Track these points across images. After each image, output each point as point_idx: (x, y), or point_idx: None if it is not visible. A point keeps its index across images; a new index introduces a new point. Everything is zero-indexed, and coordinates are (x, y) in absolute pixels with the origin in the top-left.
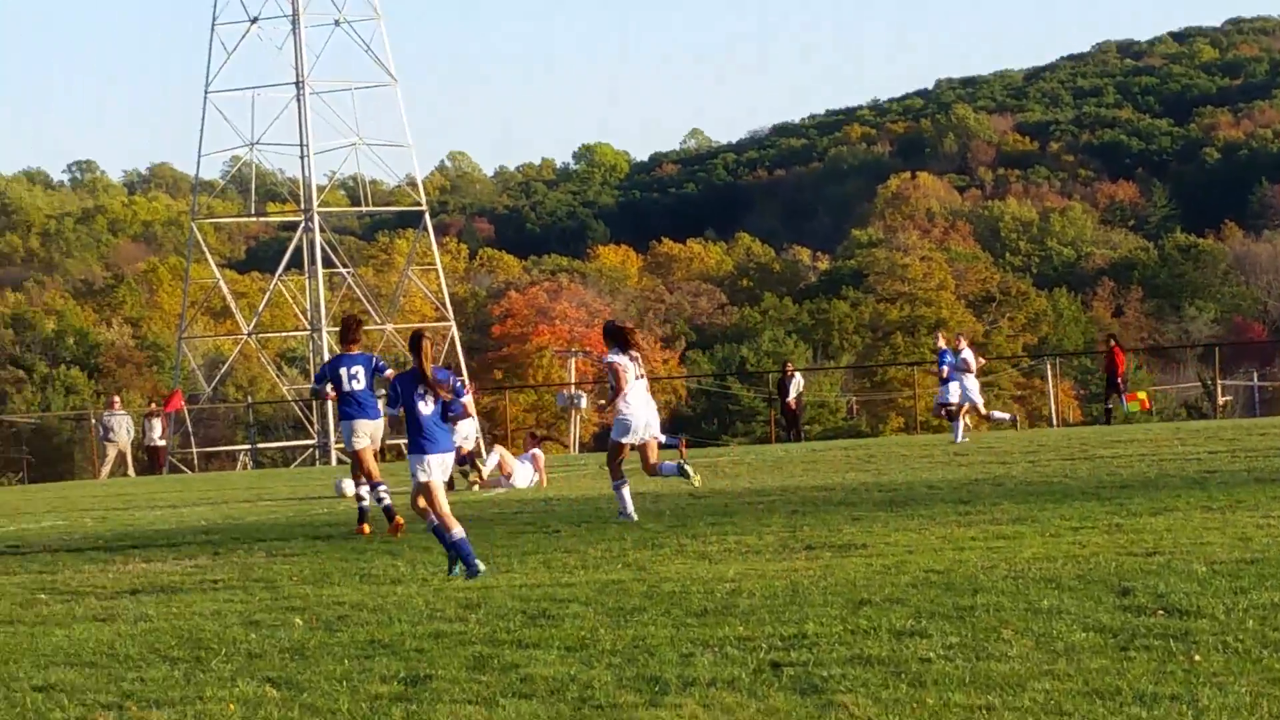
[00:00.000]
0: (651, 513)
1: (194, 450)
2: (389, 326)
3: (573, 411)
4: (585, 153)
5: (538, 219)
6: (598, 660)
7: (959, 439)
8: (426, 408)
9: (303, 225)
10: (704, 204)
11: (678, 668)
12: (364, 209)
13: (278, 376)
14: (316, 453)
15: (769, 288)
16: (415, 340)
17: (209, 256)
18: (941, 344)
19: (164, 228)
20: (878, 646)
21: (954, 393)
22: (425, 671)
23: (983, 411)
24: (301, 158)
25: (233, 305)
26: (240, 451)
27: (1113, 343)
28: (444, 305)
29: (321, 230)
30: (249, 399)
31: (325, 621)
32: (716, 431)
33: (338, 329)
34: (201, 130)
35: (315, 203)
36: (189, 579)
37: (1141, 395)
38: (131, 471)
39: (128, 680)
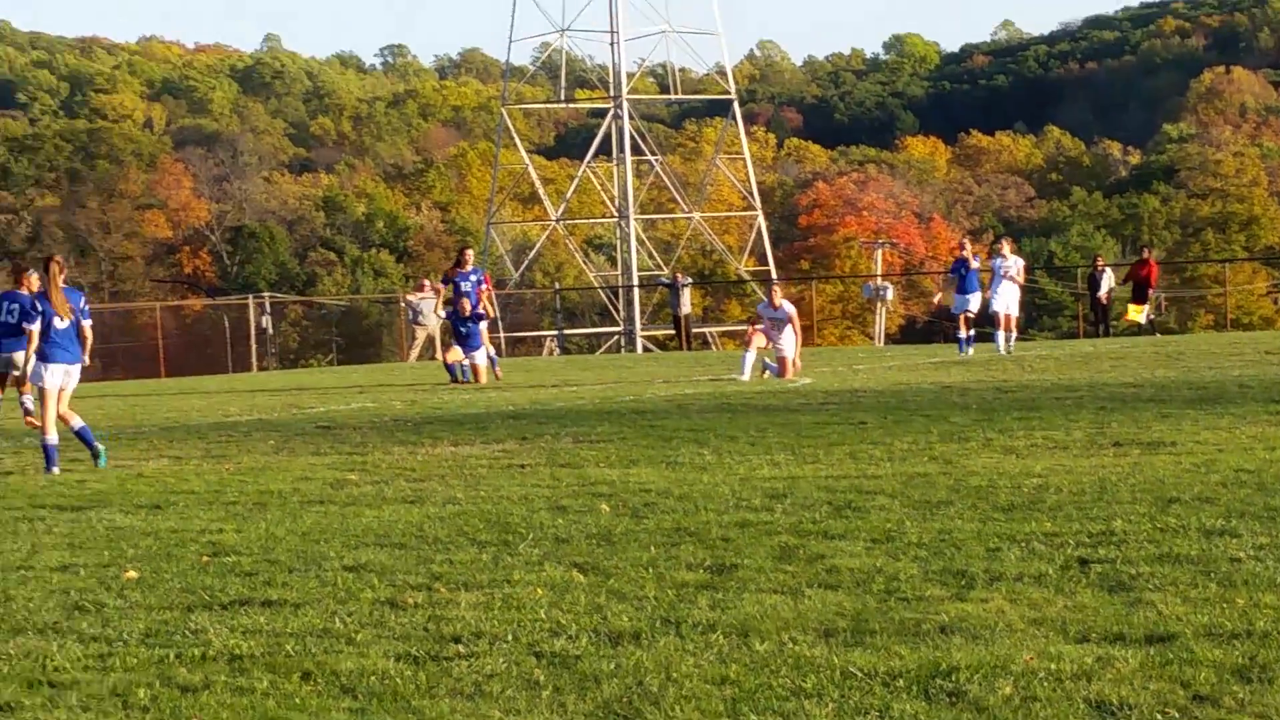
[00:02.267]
0: (959, 405)
1: (501, 335)
2: (696, 215)
3: (878, 303)
4: (895, 43)
5: (846, 109)
6: (903, 553)
7: (1001, 349)
8: (61, 323)
9: (611, 112)
10: (1014, 96)
11: (984, 562)
12: (673, 97)
13: (584, 263)
14: (622, 340)
15: (1078, 182)
16: (45, 263)
17: (518, 142)
18: (968, 253)
19: (474, 113)
20: (1186, 545)
21: (974, 302)
22: (731, 560)
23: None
24: (611, 44)
25: (541, 191)
26: (547, 337)
27: (1146, 253)
28: (751, 194)
29: (630, 117)
30: (556, 285)
31: (632, 508)
32: (1024, 325)
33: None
34: (513, 16)
35: (624, 90)
36: (496, 463)
37: (1131, 309)
38: (440, 355)
39: (436, 562)
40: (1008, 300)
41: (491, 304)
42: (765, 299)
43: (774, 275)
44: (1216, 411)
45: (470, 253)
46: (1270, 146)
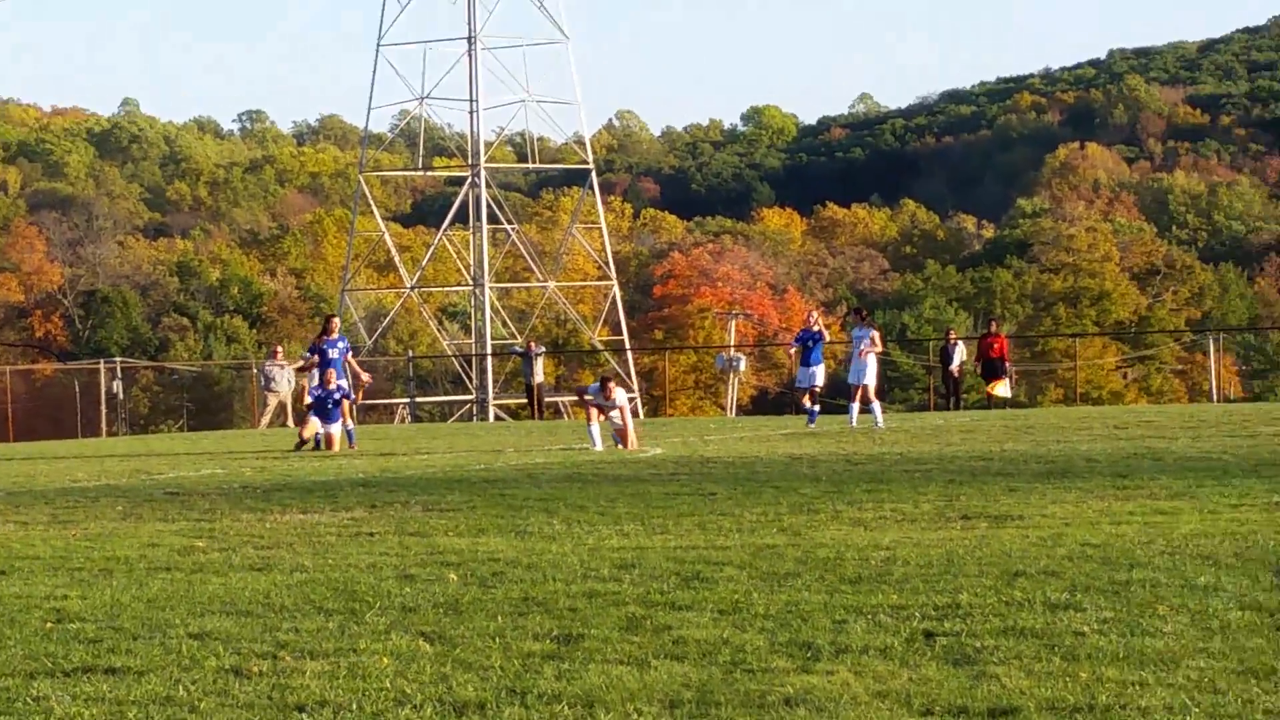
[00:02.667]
0: (808, 477)
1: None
2: (551, 284)
3: (731, 374)
4: (753, 114)
5: (703, 180)
6: (751, 624)
7: (854, 420)
8: None
9: (469, 180)
10: (870, 169)
11: (831, 634)
12: (530, 165)
13: (438, 331)
14: (475, 408)
15: (932, 255)
16: None
17: (375, 209)
18: (816, 325)
19: (331, 179)
20: (1032, 619)
21: (819, 375)
22: (578, 630)
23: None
24: (470, 113)
25: (396, 259)
26: (399, 405)
27: (994, 327)
28: (607, 264)
29: (487, 186)
30: (409, 353)
31: (480, 577)
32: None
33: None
34: (372, 83)
35: (482, 158)
36: (345, 531)
37: (991, 385)
38: (291, 422)
39: (282, 630)
40: (863, 371)
41: (359, 373)
42: (598, 385)
43: (627, 346)
44: (1064, 485)
45: (336, 321)
46: (1122, 222)
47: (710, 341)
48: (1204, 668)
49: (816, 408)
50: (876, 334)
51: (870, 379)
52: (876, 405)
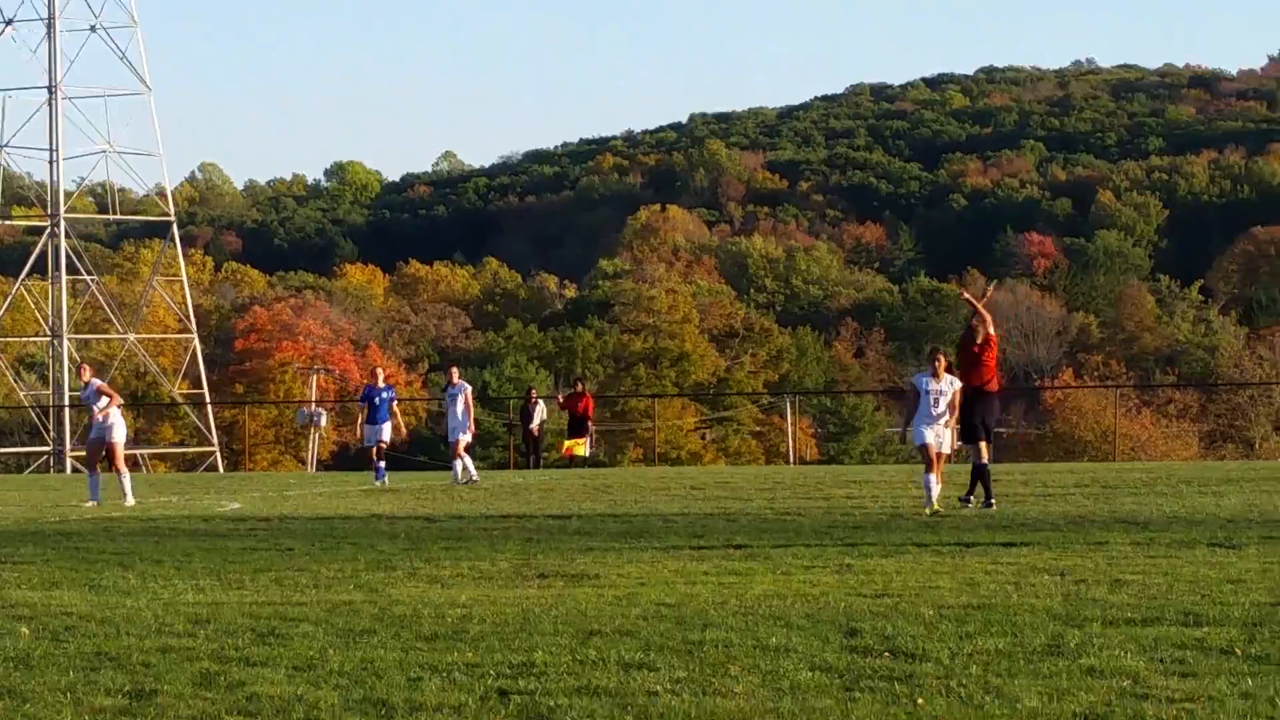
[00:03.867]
0: (387, 534)
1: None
2: (131, 336)
3: (312, 429)
4: (337, 170)
5: (286, 235)
6: (325, 681)
7: (468, 477)
8: None
9: (48, 231)
10: (454, 227)
11: (405, 691)
12: (111, 217)
13: (15, 381)
14: (51, 459)
15: (514, 314)
16: None
17: None
18: (379, 381)
19: None
20: (606, 678)
21: (386, 431)
22: (150, 686)
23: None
24: (51, 162)
25: None
26: None
27: (580, 386)
28: (187, 317)
29: (67, 236)
30: None
31: (51, 631)
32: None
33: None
34: None
35: (62, 209)
36: None
37: (570, 444)
38: None
39: None
40: (455, 425)
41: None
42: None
43: (208, 400)
44: (640, 545)
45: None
46: (702, 284)
47: (291, 396)
48: None
49: (383, 464)
50: (468, 388)
51: (466, 435)
52: (467, 459)
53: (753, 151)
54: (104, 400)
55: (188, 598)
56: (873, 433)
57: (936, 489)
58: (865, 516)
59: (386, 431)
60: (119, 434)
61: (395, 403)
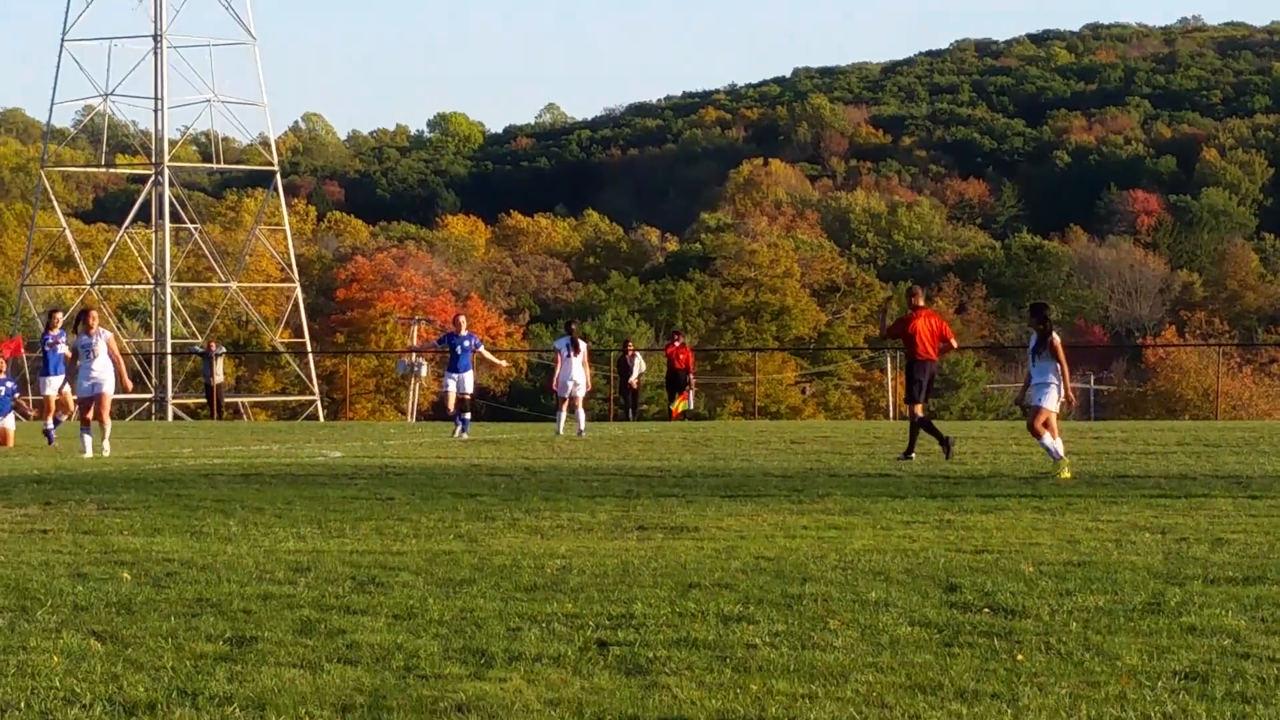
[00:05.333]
0: (487, 484)
1: (30, 397)
2: (233, 284)
3: (413, 379)
4: (440, 121)
5: (388, 185)
6: (425, 630)
7: (560, 428)
8: None
9: (152, 179)
10: (556, 179)
11: (504, 641)
12: (215, 165)
13: (119, 328)
14: (153, 407)
15: (616, 266)
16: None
17: (56, 205)
18: (462, 328)
19: (12, 174)
20: (704, 630)
21: (468, 382)
22: (251, 633)
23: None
24: (155, 111)
25: (77, 255)
26: (74, 401)
27: (678, 340)
28: (289, 266)
29: (171, 185)
30: None
31: (153, 577)
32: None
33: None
34: (56, 78)
35: (166, 157)
36: (18, 528)
37: (676, 405)
38: None
39: None
40: (573, 379)
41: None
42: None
43: (309, 349)
44: (740, 498)
45: (59, 316)
46: (803, 239)
47: (392, 346)
48: (872, 682)
49: (467, 415)
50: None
51: (580, 388)
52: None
53: (856, 106)
54: (103, 349)
55: (288, 545)
56: (973, 389)
57: (1054, 444)
58: (965, 472)
59: (469, 382)
60: (110, 386)
61: (479, 350)
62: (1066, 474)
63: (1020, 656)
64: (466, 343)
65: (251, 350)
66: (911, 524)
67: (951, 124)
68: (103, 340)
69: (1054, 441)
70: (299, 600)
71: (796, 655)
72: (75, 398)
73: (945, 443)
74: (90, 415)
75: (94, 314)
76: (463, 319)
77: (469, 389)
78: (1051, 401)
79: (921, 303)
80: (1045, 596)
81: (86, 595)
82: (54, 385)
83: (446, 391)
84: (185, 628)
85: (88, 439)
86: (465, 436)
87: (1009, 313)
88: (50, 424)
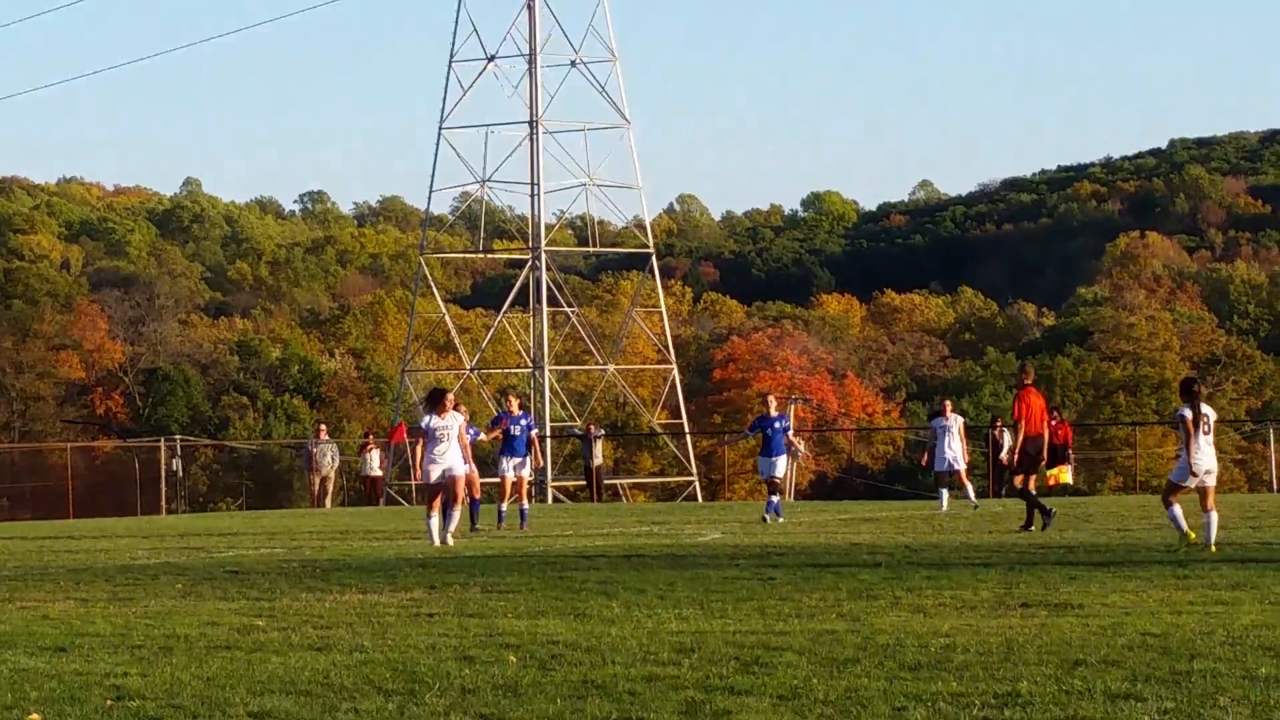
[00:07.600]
0: (868, 563)
1: (413, 482)
2: (611, 367)
3: (791, 459)
4: (813, 200)
5: (763, 265)
6: (810, 710)
7: (944, 506)
8: None
9: (529, 263)
10: (930, 256)
11: None
12: (591, 249)
13: (498, 412)
14: (533, 489)
15: (991, 342)
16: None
17: (435, 291)
18: (772, 410)
19: (391, 261)
20: (1092, 708)
21: (780, 466)
22: (637, 714)
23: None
24: (531, 196)
25: (456, 340)
26: None
27: (1057, 415)
28: (666, 348)
29: (548, 269)
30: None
31: (539, 659)
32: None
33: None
34: (434, 165)
35: (543, 241)
36: (404, 611)
37: (1055, 472)
38: (328, 501)
39: (342, 710)
40: (954, 456)
41: (538, 454)
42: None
43: (686, 430)
44: (1124, 574)
45: (514, 399)
46: (1182, 311)
47: None
48: None
49: (776, 498)
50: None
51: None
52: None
53: (1234, 176)
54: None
55: (671, 626)
56: None
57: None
58: None
59: (526, 467)
60: (461, 470)
61: (533, 433)
62: None
63: None
64: (523, 421)
65: (629, 432)
66: None
67: None
68: (458, 424)
69: None
70: (684, 681)
71: None
72: (421, 482)
73: (1046, 514)
74: (451, 499)
75: (450, 396)
76: (514, 398)
77: (527, 473)
78: None
79: (1029, 380)
80: None
81: (473, 678)
82: (511, 466)
83: (762, 477)
84: (571, 710)
85: (444, 522)
86: (780, 520)
87: None
88: (504, 505)
